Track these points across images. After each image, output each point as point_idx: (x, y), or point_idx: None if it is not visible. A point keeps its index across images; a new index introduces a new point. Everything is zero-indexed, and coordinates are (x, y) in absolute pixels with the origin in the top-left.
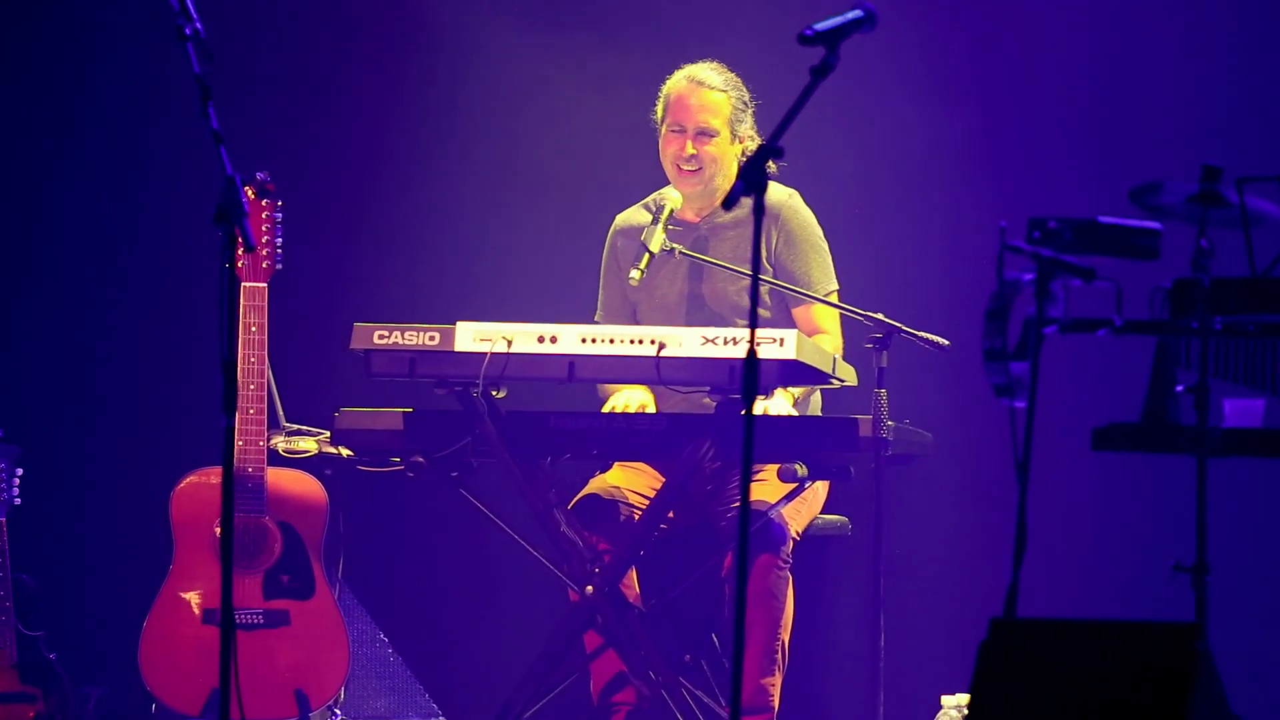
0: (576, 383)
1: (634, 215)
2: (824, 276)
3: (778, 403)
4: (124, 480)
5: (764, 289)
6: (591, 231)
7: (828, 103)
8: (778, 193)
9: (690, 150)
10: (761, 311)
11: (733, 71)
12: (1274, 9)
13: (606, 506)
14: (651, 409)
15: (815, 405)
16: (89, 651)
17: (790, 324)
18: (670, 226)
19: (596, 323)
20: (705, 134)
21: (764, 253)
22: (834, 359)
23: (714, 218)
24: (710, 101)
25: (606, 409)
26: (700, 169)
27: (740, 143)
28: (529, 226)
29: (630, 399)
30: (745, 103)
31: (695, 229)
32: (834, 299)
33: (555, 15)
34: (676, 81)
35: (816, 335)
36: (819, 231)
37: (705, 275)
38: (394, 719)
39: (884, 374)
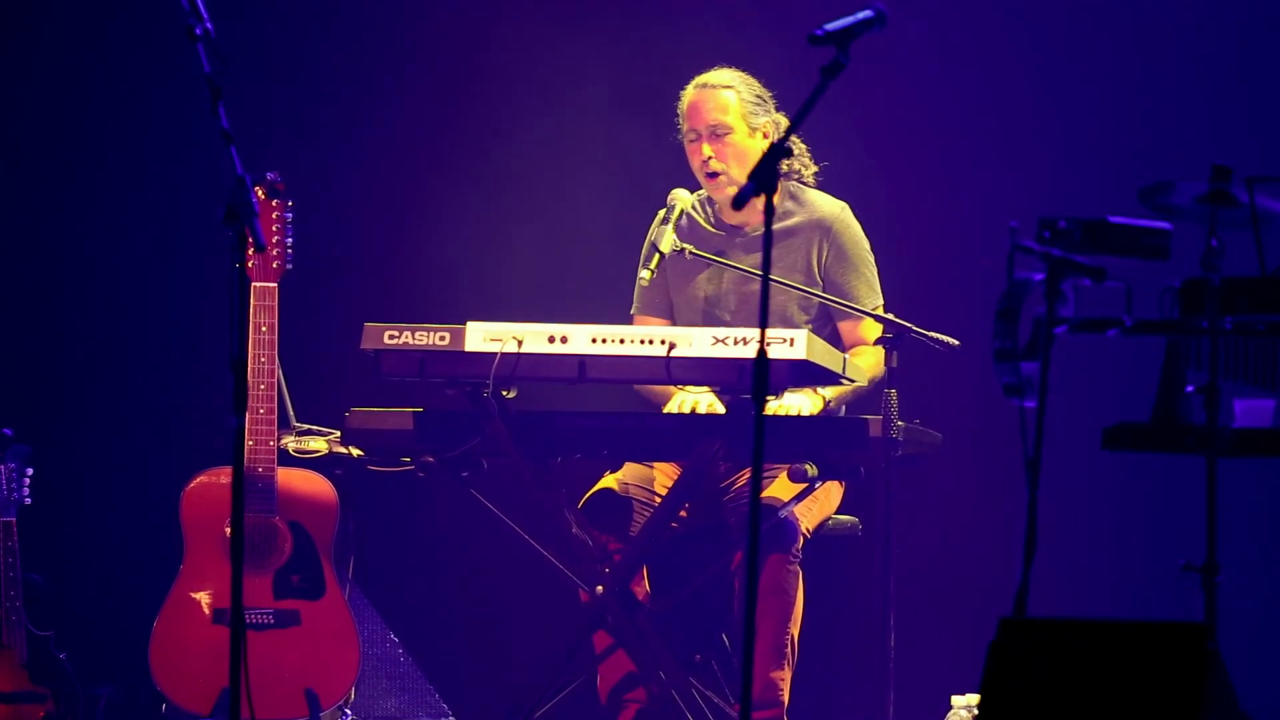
0: (587, 383)
1: None
2: (870, 292)
3: (801, 400)
4: (134, 480)
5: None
6: (602, 233)
7: (836, 102)
8: (830, 205)
9: (708, 153)
10: (805, 321)
11: (744, 71)
12: None
13: (619, 503)
14: (719, 408)
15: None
16: (99, 651)
17: (835, 335)
18: (717, 231)
19: (634, 315)
20: (718, 132)
21: (814, 265)
22: (844, 359)
23: (761, 224)
24: (719, 100)
25: (671, 407)
26: (720, 174)
27: (764, 136)
28: (539, 227)
29: (696, 400)
30: (759, 96)
31: (740, 232)
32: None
33: (566, 18)
34: (686, 92)
35: (858, 348)
36: (867, 246)
37: (742, 276)
38: (404, 719)
39: (894, 374)
